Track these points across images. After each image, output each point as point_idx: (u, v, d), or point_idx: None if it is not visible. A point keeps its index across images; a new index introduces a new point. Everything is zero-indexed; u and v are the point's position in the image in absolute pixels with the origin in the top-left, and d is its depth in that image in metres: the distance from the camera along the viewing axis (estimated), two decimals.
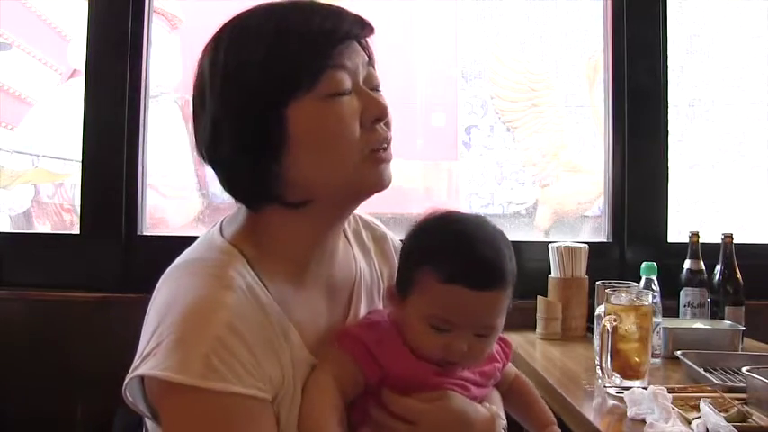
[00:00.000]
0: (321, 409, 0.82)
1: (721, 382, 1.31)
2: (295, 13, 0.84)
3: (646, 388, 1.16)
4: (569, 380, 1.44)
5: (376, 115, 0.85)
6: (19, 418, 1.89)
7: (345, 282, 0.96)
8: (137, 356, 0.78)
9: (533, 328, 1.85)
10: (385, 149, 0.86)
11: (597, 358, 1.33)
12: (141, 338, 0.80)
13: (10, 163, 2.15)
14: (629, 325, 1.30)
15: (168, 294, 0.81)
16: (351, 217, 1.02)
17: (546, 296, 1.87)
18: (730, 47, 2.26)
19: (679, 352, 1.46)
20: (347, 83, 0.83)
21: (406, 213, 2.11)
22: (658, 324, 1.56)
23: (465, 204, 2.20)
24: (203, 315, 0.77)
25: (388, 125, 0.87)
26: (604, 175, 2.16)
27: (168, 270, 0.86)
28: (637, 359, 1.30)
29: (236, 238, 0.87)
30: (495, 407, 0.94)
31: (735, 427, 1.02)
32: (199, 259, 0.86)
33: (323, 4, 0.86)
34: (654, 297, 1.54)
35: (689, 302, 1.81)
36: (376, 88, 0.87)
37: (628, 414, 1.14)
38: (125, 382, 0.79)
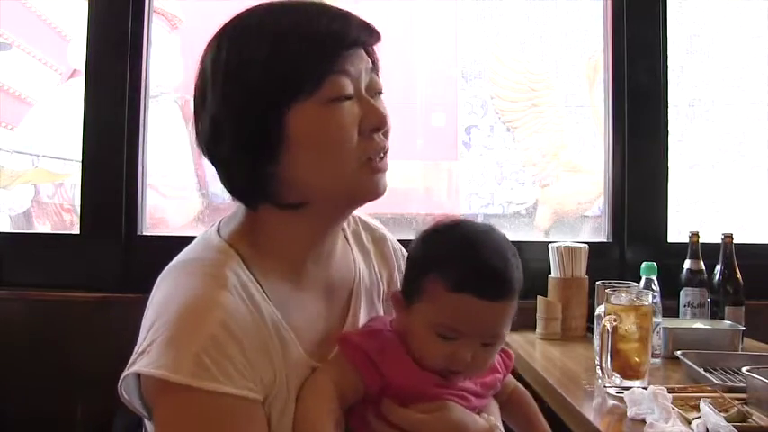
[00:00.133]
0: (318, 412, 0.82)
1: (721, 382, 1.31)
2: (301, 14, 0.84)
3: (646, 388, 1.16)
4: (569, 380, 1.44)
5: (375, 124, 0.85)
6: (19, 418, 1.89)
7: (344, 283, 0.96)
8: (133, 354, 0.79)
9: (533, 328, 1.85)
10: (381, 159, 0.86)
11: (597, 358, 1.33)
12: (139, 336, 0.81)
13: (10, 163, 2.15)
14: (629, 325, 1.30)
15: (165, 293, 0.82)
16: (350, 218, 1.02)
17: (546, 296, 1.87)
18: (730, 47, 2.26)
19: (679, 352, 1.46)
20: (349, 89, 0.83)
21: (405, 213, 2.12)
22: (658, 324, 1.56)
23: (465, 204, 2.20)
24: (197, 314, 0.77)
25: (386, 134, 0.87)
26: (604, 175, 2.17)
27: (166, 269, 0.86)
28: (637, 359, 1.30)
29: (232, 238, 0.87)
30: (494, 417, 0.94)
31: (735, 427, 1.02)
32: (195, 259, 0.86)
33: (330, 7, 0.86)
34: (654, 297, 1.54)
35: (689, 302, 1.81)
36: (378, 94, 0.87)
37: (628, 414, 1.14)
38: (120, 380, 0.79)
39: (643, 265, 1.70)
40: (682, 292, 1.82)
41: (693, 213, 2.22)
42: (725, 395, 1.19)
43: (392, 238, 1.09)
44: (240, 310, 0.80)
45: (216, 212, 2.11)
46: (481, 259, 0.87)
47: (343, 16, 0.85)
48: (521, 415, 1.03)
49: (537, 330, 1.84)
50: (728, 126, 2.26)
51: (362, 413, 0.88)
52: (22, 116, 2.16)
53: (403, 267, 1.02)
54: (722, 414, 1.08)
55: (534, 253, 1.95)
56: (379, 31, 0.87)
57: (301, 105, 0.81)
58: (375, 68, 0.88)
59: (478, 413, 0.92)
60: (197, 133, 0.87)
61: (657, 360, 1.54)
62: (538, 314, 1.85)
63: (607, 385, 1.29)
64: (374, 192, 0.86)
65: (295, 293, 0.88)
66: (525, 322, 1.84)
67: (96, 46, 2.03)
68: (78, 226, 2.05)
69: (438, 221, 0.94)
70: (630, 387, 1.21)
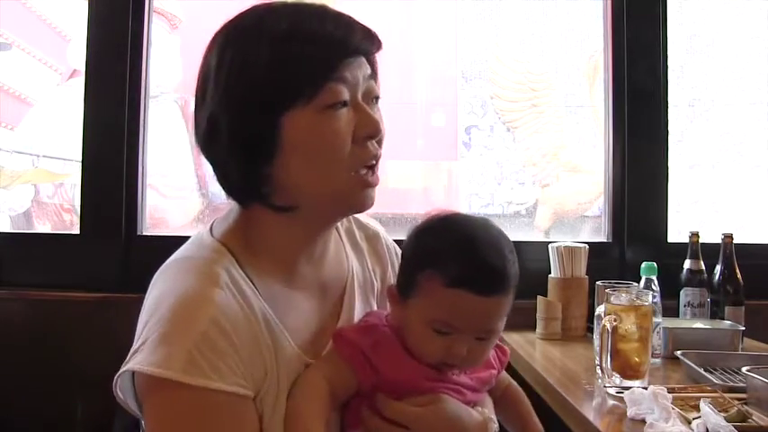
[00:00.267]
0: (308, 411, 0.82)
1: (721, 382, 1.31)
2: (305, 18, 0.84)
3: (646, 388, 1.16)
4: (569, 380, 1.44)
5: (369, 132, 0.85)
6: (19, 419, 1.89)
7: (337, 282, 0.97)
8: (129, 353, 0.79)
9: (533, 328, 1.85)
10: (373, 170, 0.87)
11: (597, 358, 1.33)
12: (135, 336, 0.81)
13: (10, 163, 2.15)
14: (629, 325, 1.30)
15: (158, 292, 0.83)
16: None
17: (546, 296, 1.87)
18: (730, 47, 2.26)
19: (679, 352, 1.46)
20: (345, 95, 0.83)
21: (405, 213, 2.11)
22: (658, 324, 1.56)
23: (465, 204, 2.20)
24: (189, 311, 0.78)
25: (380, 142, 0.88)
26: (604, 175, 2.17)
27: (159, 269, 0.87)
28: (637, 359, 1.30)
29: (225, 237, 0.88)
30: (488, 411, 0.94)
31: (735, 427, 1.02)
32: (188, 257, 0.87)
33: (335, 12, 0.86)
34: (654, 297, 1.55)
35: (689, 302, 1.81)
36: (375, 101, 0.88)
37: (628, 414, 1.14)
38: (115, 379, 0.80)
39: (643, 265, 1.70)
40: (682, 292, 1.82)
41: (693, 213, 2.22)
42: (725, 395, 1.19)
43: (386, 235, 1.10)
44: (232, 307, 0.80)
45: (216, 212, 2.10)
46: (477, 255, 0.87)
47: (347, 23, 0.85)
48: (514, 412, 1.03)
49: (537, 330, 1.84)
50: (728, 126, 2.26)
51: (357, 408, 0.88)
52: (22, 116, 2.16)
53: (397, 264, 1.03)
54: (722, 414, 1.08)
55: (534, 253, 1.95)
56: (381, 39, 0.87)
57: (298, 110, 0.81)
58: (374, 75, 0.88)
59: (473, 407, 0.92)
60: (196, 131, 0.88)
61: (657, 360, 1.54)
62: (538, 314, 1.85)
63: (607, 385, 1.29)
64: (362, 205, 0.88)
65: (287, 292, 0.89)
66: (525, 322, 1.84)
67: (96, 46, 2.03)
68: (78, 226, 2.05)
69: (432, 215, 0.94)
70: (630, 387, 1.20)
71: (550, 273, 1.90)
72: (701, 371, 1.36)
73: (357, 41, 0.84)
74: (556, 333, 1.83)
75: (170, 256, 0.90)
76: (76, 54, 2.11)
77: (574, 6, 2.23)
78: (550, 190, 2.23)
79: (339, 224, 1.01)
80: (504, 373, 1.03)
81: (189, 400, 0.75)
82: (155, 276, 0.87)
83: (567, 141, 2.23)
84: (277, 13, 0.85)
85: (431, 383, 0.88)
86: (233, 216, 0.90)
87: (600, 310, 1.38)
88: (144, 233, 2.05)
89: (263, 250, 0.88)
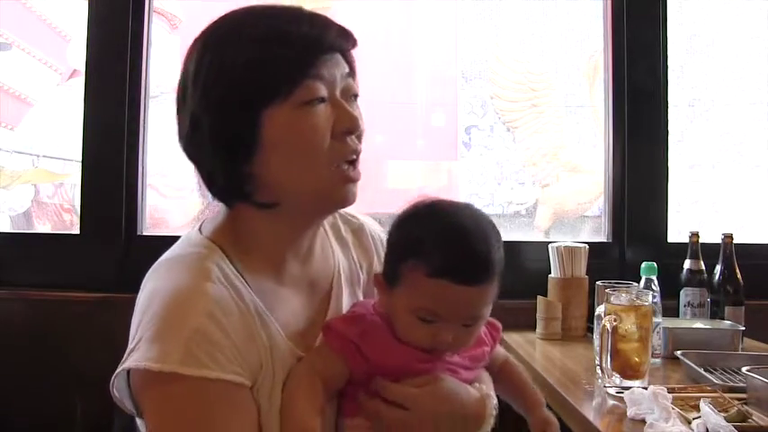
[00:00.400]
0: (302, 402, 0.83)
1: (721, 382, 1.31)
2: (281, 20, 0.86)
3: (646, 388, 1.16)
4: (569, 380, 1.44)
5: (347, 127, 0.86)
6: (19, 418, 1.89)
7: (324, 277, 0.98)
8: (125, 354, 0.80)
9: (533, 328, 1.85)
10: (353, 165, 0.88)
11: (597, 358, 1.33)
12: (129, 337, 0.82)
13: (10, 163, 2.15)
14: (629, 325, 1.30)
15: (150, 290, 0.83)
16: None
17: (546, 296, 1.86)
18: (730, 47, 2.26)
19: (679, 352, 1.46)
20: (323, 92, 0.85)
21: None
22: (658, 324, 1.56)
23: None
24: (182, 305, 0.79)
25: (359, 137, 0.89)
26: (604, 175, 2.16)
27: (150, 269, 0.88)
28: (637, 359, 1.30)
29: (214, 235, 0.89)
30: (486, 387, 0.95)
31: (735, 427, 1.02)
32: (177, 255, 0.88)
33: (310, 13, 0.88)
34: (654, 297, 1.55)
35: (689, 302, 1.81)
36: (354, 98, 0.89)
37: (628, 414, 1.14)
38: (111, 381, 0.80)
39: (643, 265, 1.70)
40: (682, 292, 1.82)
41: (693, 213, 2.22)
42: (725, 395, 1.19)
43: (371, 226, 1.10)
44: (225, 300, 0.81)
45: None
46: (458, 244, 0.87)
47: (322, 22, 0.87)
48: (512, 386, 1.03)
49: (537, 330, 1.84)
50: (728, 126, 2.26)
51: (355, 396, 0.89)
52: (22, 116, 2.16)
53: (383, 253, 1.04)
54: (722, 414, 1.08)
55: (534, 253, 1.95)
56: (355, 36, 0.89)
57: (276, 108, 0.83)
58: (352, 73, 0.90)
59: (471, 385, 0.93)
60: (178, 133, 0.90)
61: (657, 360, 1.54)
62: (538, 314, 1.84)
63: (607, 385, 1.29)
64: (344, 201, 0.89)
65: (277, 288, 0.90)
66: (525, 322, 1.84)
67: (96, 46, 2.03)
68: (78, 226, 2.05)
69: (415, 203, 0.94)
70: (630, 387, 1.21)
71: (550, 273, 1.90)
72: (701, 371, 1.36)
73: (332, 39, 0.86)
74: (556, 333, 1.83)
75: None
76: (76, 54, 2.11)
77: (574, 6, 2.23)
78: (550, 190, 2.23)
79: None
80: (500, 349, 1.03)
81: (189, 391, 0.76)
82: (146, 276, 0.88)
83: (567, 141, 2.23)
84: (253, 17, 0.87)
85: (423, 365, 0.89)
86: (221, 216, 0.92)
87: (600, 310, 1.38)
88: (144, 233, 2.05)
89: (251, 248, 0.89)
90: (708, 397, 1.16)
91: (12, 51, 2.16)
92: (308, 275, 0.95)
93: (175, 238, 0.95)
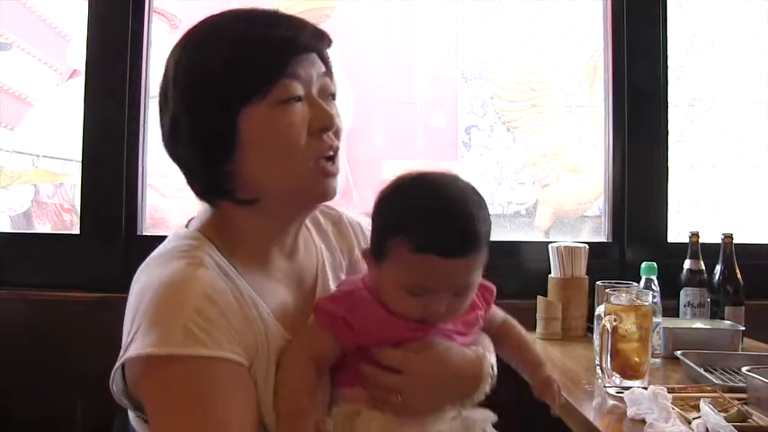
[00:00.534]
0: (293, 378, 0.84)
1: (721, 382, 1.31)
2: (258, 23, 0.89)
3: (646, 388, 1.16)
4: (569, 380, 1.44)
5: (323, 123, 0.88)
6: (19, 418, 1.89)
7: (309, 271, 1.00)
8: (122, 349, 0.80)
9: (533, 328, 1.85)
10: (332, 160, 0.90)
11: (597, 358, 1.33)
12: (123, 334, 0.82)
13: (10, 163, 2.15)
14: (629, 325, 1.30)
15: (142, 285, 0.85)
16: None
17: (546, 296, 1.87)
18: (730, 47, 2.26)
19: (679, 352, 1.46)
20: (299, 90, 0.87)
21: None
22: (658, 324, 1.56)
23: None
24: (179, 291, 0.80)
25: (337, 134, 0.90)
26: (604, 175, 2.16)
27: (139, 268, 0.90)
28: (637, 359, 1.30)
29: (203, 229, 0.91)
30: (483, 348, 0.95)
31: (735, 427, 1.02)
32: (168, 249, 0.89)
33: (287, 15, 0.91)
34: (654, 297, 1.55)
35: (689, 302, 1.81)
36: (332, 98, 0.91)
37: (628, 414, 1.14)
38: (111, 377, 0.81)
39: (643, 265, 1.70)
40: (682, 292, 1.82)
41: (693, 213, 2.23)
42: (725, 395, 1.19)
43: (348, 214, 1.12)
44: (220, 284, 0.83)
45: None
46: (443, 218, 0.87)
47: (298, 24, 0.89)
48: (511, 346, 1.03)
49: (537, 330, 1.84)
50: (728, 126, 2.26)
51: (352, 366, 0.90)
52: (22, 116, 2.16)
53: (362, 239, 1.07)
54: (722, 414, 1.08)
55: (534, 253, 1.95)
56: (330, 36, 0.92)
57: (254, 107, 0.85)
58: (329, 72, 0.92)
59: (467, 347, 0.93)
60: (161, 133, 0.91)
61: (657, 360, 1.54)
62: (538, 314, 1.85)
63: (607, 385, 1.29)
64: (325, 194, 0.90)
65: (265, 280, 0.91)
66: (525, 322, 1.82)
67: (96, 46, 2.03)
68: (78, 226, 2.05)
69: (399, 177, 0.93)
70: (630, 387, 1.21)
71: (550, 273, 1.90)
72: (701, 371, 1.36)
73: (307, 39, 0.88)
74: (556, 333, 1.83)
75: None
76: (76, 54, 2.11)
77: (574, 6, 2.23)
78: (550, 190, 2.23)
79: None
80: (497, 310, 1.03)
81: (190, 371, 0.77)
82: (136, 273, 0.89)
83: (567, 141, 2.23)
84: (231, 20, 0.90)
85: (416, 335, 0.90)
86: (208, 213, 0.93)
87: (600, 310, 1.38)
88: (144, 233, 2.05)
89: (238, 242, 0.91)
90: (708, 397, 1.16)
91: (12, 51, 2.16)
92: (295, 270, 0.97)
93: None
